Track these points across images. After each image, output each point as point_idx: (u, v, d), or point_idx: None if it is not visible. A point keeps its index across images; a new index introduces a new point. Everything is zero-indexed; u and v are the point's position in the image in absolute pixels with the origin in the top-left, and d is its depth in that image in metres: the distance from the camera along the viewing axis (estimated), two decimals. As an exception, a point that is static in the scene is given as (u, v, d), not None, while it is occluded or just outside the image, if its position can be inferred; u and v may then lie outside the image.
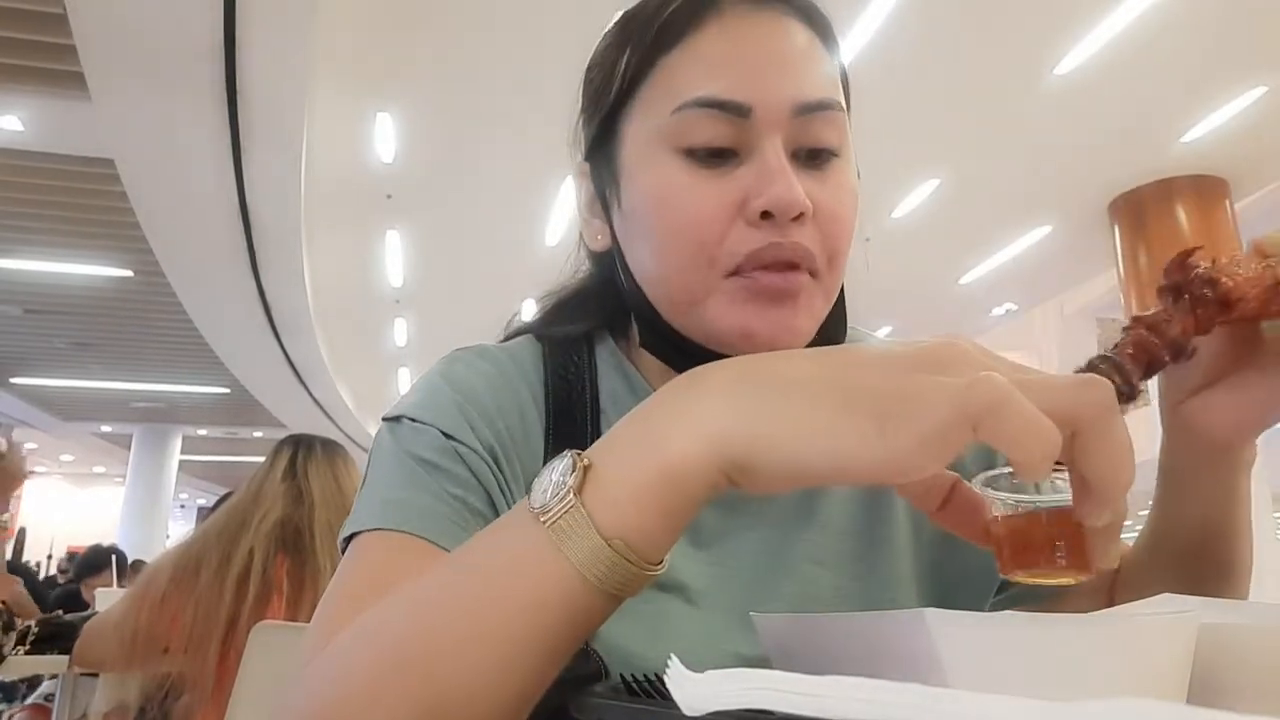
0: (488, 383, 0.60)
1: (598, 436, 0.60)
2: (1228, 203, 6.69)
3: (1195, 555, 0.59)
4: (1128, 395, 0.45)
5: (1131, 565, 0.65)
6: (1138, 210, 6.78)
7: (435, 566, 0.42)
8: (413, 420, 0.58)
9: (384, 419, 0.60)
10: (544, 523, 0.37)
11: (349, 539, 0.54)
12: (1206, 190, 6.63)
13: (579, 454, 0.39)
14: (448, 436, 0.56)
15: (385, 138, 5.83)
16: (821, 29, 0.59)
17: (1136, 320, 0.47)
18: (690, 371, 0.40)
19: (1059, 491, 0.35)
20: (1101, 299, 10.15)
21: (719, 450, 0.36)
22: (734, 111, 0.53)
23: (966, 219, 7.17)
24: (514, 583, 0.38)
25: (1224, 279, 0.46)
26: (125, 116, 4.54)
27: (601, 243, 0.63)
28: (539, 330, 0.67)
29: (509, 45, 4.91)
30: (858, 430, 0.33)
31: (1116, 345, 0.47)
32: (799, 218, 0.53)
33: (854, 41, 4.80)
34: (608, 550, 0.37)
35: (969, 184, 6.61)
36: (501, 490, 0.57)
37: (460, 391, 0.59)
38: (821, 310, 0.57)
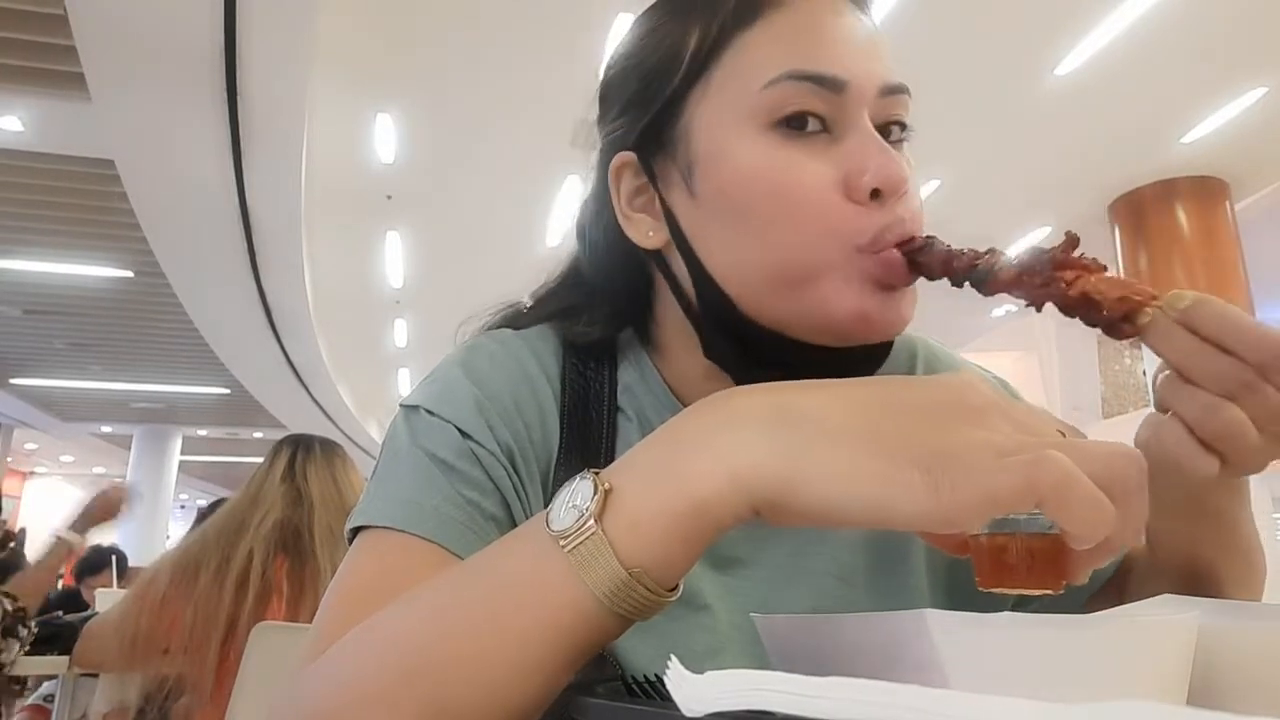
0: (508, 377, 0.59)
1: (613, 440, 0.60)
2: (1228, 204, 6.68)
3: (1190, 574, 0.57)
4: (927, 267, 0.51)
5: (1139, 561, 0.64)
6: (1138, 211, 6.78)
7: (450, 574, 0.42)
8: (430, 413, 0.56)
9: (402, 405, 0.58)
10: (564, 548, 0.37)
11: (356, 530, 0.53)
12: (1206, 191, 6.63)
13: (598, 474, 0.39)
14: (465, 436, 0.55)
15: (385, 138, 5.83)
16: (874, 22, 0.59)
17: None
18: (717, 395, 0.40)
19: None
20: (1101, 299, 10.13)
21: (749, 487, 0.36)
22: (830, 87, 0.52)
23: (966, 219, 7.14)
24: (529, 602, 0.38)
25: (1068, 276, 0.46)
26: (125, 117, 4.54)
27: (654, 239, 0.58)
28: (563, 328, 0.64)
29: (509, 46, 4.91)
30: (903, 480, 0.34)
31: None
32: (902, 195, 0.53)
33: None
34: (627, 578, 0.37)
35: (969, 184, 6.60)
36: (517, 492, 0.56)
37: (480, 386, 0.57)
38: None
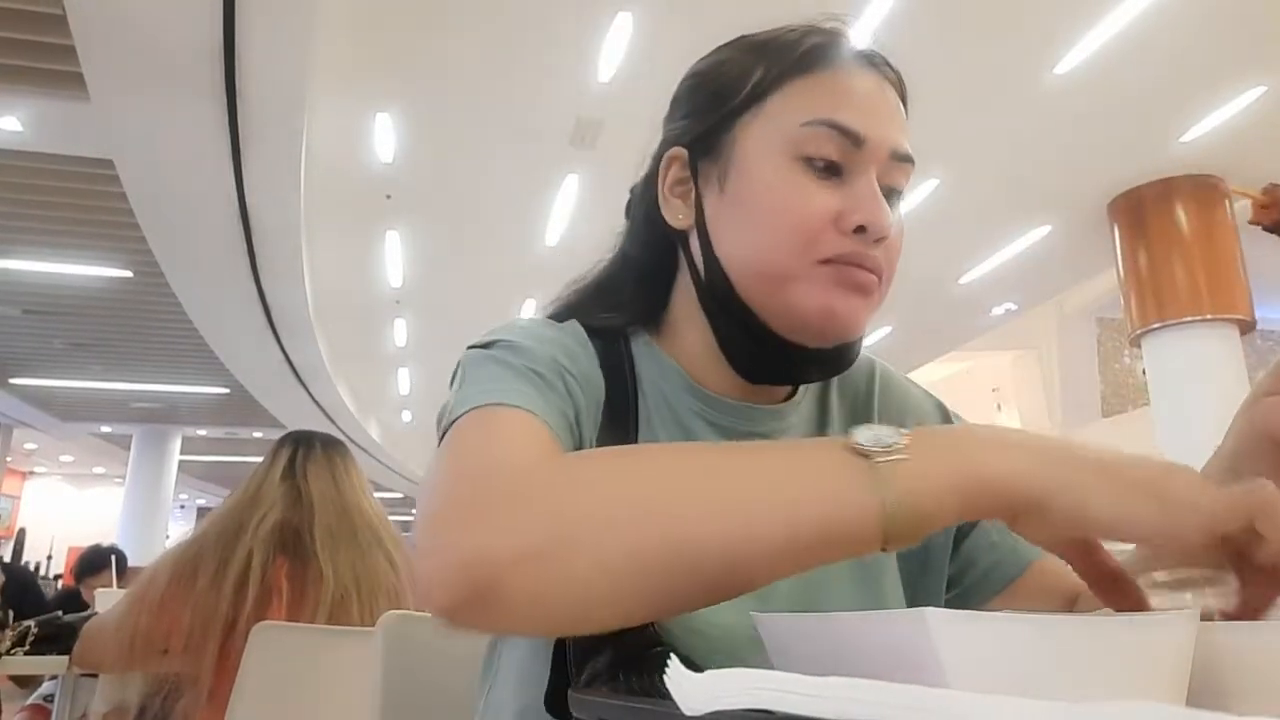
0: (567, 349, 0.66)
1: (637, 422, 0.68)
2: (1227, 203, 6.69)
3: None
4: None
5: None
6: (1137, 210, 6.78)
7: (706, 453, 0.48)
8: (512, 344, 0.62)
9: (474, 347, 0.63)
10: (873, 460, 0.43)
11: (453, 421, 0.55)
12: (1206, 190, 6.63)
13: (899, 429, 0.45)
14: (555, 361, 0.62)
15: (385, 138, 5.83)
16: (905, 99, 0.69)
17: None
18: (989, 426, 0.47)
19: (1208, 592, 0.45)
20: (1101, 299, 10.14)
21: (1023, 481, 0.43)
22: (852, 140, 0.62)
23: (966, 219, 7.16)
24: (817, 492, 0.43)
25: None
26: (125, 116, 4.54)
27: (683, 221, 0.70)
28: (582, 318, 0.72)
29: (509, 46, 4.91)
30: (1142, 502, 0.42)
31: None
32: (879, 240, 0.62)
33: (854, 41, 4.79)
34: (914, 502, 0.43)
35: (969, 184, 6.60)
36: (582, 430, 0.62)
37: (552, 345, 0.64)
38: (871, 319, 0.65)
